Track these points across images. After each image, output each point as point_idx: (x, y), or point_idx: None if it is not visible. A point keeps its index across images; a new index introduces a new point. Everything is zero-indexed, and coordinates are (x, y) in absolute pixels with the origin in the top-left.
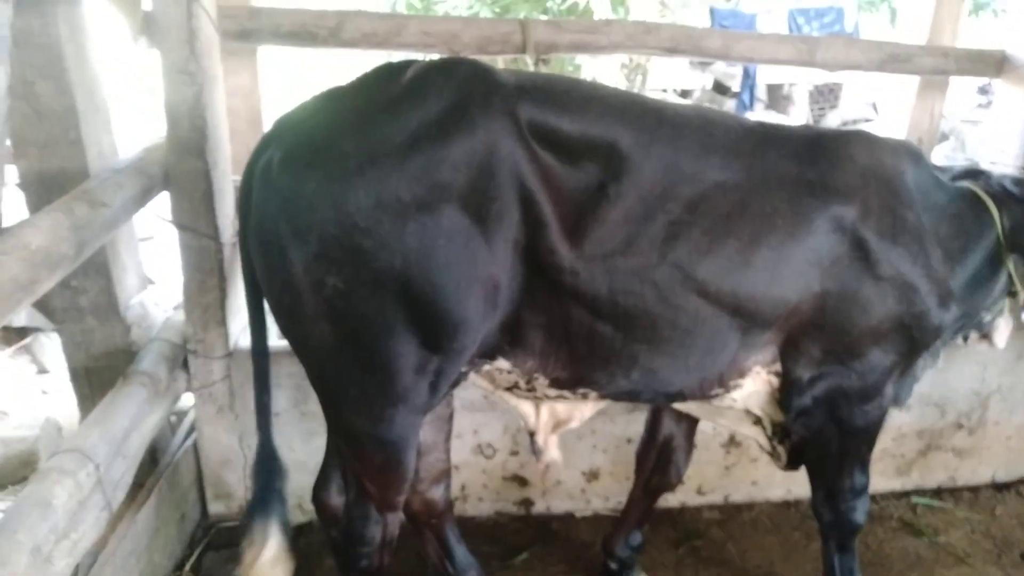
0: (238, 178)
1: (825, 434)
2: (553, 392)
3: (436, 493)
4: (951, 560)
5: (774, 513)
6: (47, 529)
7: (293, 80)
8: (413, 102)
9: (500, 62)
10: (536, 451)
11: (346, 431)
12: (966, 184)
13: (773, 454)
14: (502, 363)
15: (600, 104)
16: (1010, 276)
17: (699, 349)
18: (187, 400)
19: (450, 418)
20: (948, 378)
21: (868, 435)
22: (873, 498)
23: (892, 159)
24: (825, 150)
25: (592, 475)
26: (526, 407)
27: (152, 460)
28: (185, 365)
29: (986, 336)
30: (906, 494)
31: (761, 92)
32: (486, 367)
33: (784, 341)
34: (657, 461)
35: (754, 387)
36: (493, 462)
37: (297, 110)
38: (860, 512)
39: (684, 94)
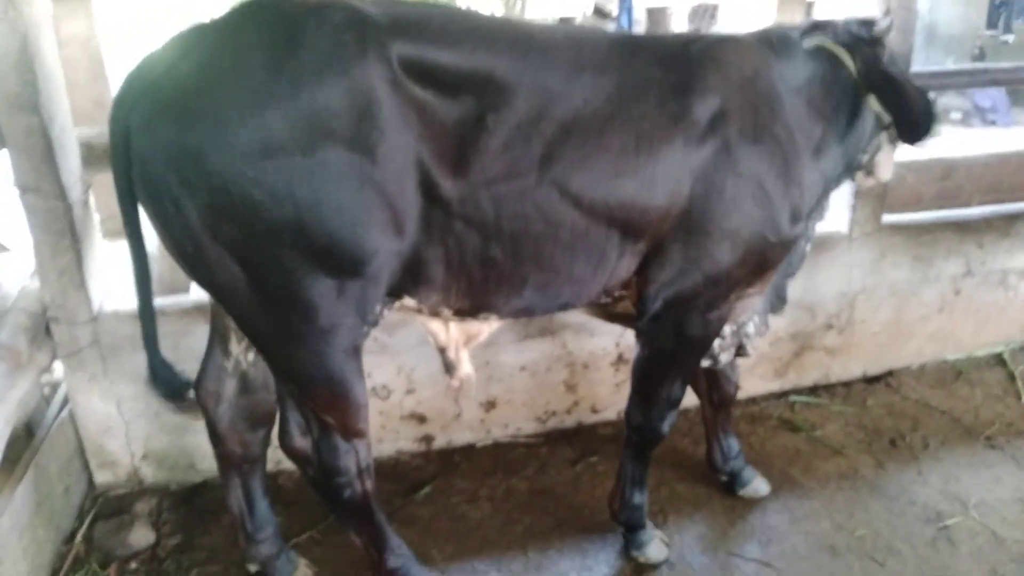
0: (82, 131)
1: (664, 341)
2: (457, 319)
3: (255, 436)
4: (827, 452)
5: None
6: None
7: (136, 26)
8: (289, 50)
9: None
10: (449, 367)
11: (285, 370)
12: (817, 39)
13: None
14: (408, 301)
15: (474, 35)
16: (876, 114)
17: (581, 262)
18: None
19: None
20: (817, 282)
21: (702, 346)
22: (753, 400)
23: (755, 57)
24: (689, 55)
25: (490, 405)
26: (435, 325)
27: (28, 435)
28: (49, 333)
29: (871, 174)
30: (784, 394)
31: (640, 14)
32: (395, 306)
33: (652, 247)
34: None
35: None
36: (389, 403)
37: (164, 51)
38: (667, 424)
39: (564, 22)
